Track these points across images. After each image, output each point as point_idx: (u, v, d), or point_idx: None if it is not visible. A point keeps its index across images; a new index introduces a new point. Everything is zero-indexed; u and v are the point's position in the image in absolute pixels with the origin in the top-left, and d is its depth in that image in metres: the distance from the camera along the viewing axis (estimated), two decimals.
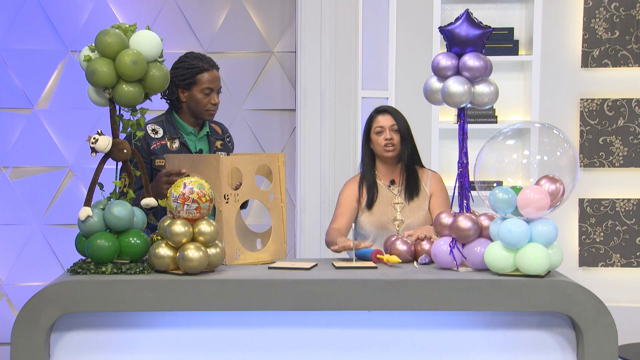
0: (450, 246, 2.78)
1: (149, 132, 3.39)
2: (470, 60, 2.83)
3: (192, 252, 2.65)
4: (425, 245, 2.98)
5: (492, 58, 3.03)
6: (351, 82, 4.64)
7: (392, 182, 3.46)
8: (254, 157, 3.04)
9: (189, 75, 3.40)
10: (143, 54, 2.75)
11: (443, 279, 2.65)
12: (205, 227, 2.70)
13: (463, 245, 2.80)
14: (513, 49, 4.60)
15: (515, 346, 2.69)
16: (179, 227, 2.68)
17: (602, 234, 4.72)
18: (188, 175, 2.94)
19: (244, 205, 3.31)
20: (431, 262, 2.92)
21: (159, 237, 2.79)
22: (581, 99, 4.71)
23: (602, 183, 4.74)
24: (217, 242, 2.74)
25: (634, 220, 4.71)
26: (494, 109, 4.60)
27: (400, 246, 2.98)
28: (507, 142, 2.84)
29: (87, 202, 2.75)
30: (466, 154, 2.92)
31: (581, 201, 4.72)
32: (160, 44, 2.81)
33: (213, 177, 2.90)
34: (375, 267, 2.85)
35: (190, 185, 2.69)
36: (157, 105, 3.28)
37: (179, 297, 2.61)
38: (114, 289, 2.62)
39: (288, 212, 4.23)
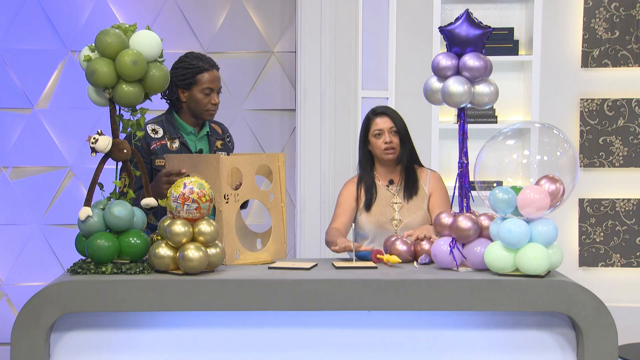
0: (450, 246, 2.78)
1: (149, 132, 3.39)
2: (470, 60, 2.83)
3: (192, 252, 2.65)
4: (425, 245, 2.98)
5: (492, 58, 3.03)
6: (351, 82, 4.64)
7: (391, 182, 3.46)
8: (254, 157, 3.04)
9: (189, 75, 3.40)
10: (143, 54, 2.75)
11: (443, 279, 2.65)
12: (205, 227, 2.70)
13: (463, 245, 2.80)
14: (513, 49, 4.60)
15: (515, 346, 2.69)
16: (179, 227, 2.68)
17: (602, 234, 4.72)
18: (188, 175, 2.94)
19: (244, 205, 3.31)
20: (431, 262, 2.92)
21: (159, 237, 2.79)
22: (581, 99, 4.71)
23: (602, 183, 4.74)
24: (217, 242, 2.74)
25: (634, 220, 4.71)
26: (494, 109, 4.60)
27: (400, 246, 2.98)
28: (507, 142, 2.84)
29: (87, 202, 2.75)
30: (466, 154, 2.92)
31: (581, 201, 4.72)
32: (160, 44, 2.81)
33: (213, 177, 2.90)
34: (375, 267, 2.85)
35: (190, 185, 2.69)
36: (157, 105, 3.28)
37: (179, 297, 2.61)
38: (114, 289, 2.62)
39: (288, 212, 4.23)
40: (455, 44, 2.87)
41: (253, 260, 2.95)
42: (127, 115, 2.86)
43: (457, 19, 2.87)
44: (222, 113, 3.81)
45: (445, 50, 2.92)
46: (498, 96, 2.89)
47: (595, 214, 4.73)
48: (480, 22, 2.86)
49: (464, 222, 2.77)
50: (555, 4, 4.68)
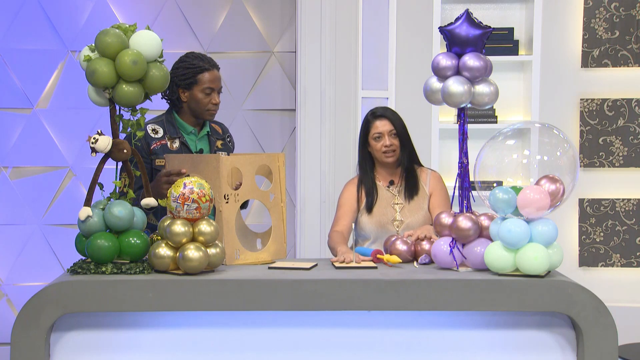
0: (450, 246, 2.78)
1: (149, 132, 3.39)
2: (470, 60, 2.83)
3: (192, 252, 2.65)
4: (425, 245, 2.98)
5: (492, 58, 3.03)
6: (351, 82, 4.64)
7: (391, 183, 3.45)
8: (254, 157, 3.04)
9: (190, 75, 3.40)
10: (143, 54, 2.75)
11: (443, 279, 2.65)
12: (205, 227, 2.70)
13: (463, 245, 2.80)
14: (513, 49, 4.60)
15: (515, 346, 2.69)
16: (179, 227, 2.68)
17: (602, 234, 4.72)
18: (188, 175, 2.94)
19: (244, 205, 3.31)
20: (431, 262, 2.92)
21: (159, 237, 2.79)
22: (581, 99, 4.70)
23: (602, 183, 4.73)
24: (217, 242, 2.74)
25: (634, 220, 4.71)
26: (494, 109, 4.60)
27: (400, 246, 2.98)
28: (507, 142, 2.84)
29: (87, 202, 2.75)
30: (466, 154, 2.92)
31: (581, 201, 4.72)
32: (160, 44, 2.81)
33: (213, 177, 2.90)
34: (375, 267, 2.85)
35: (190, 185, 2.69)
36: (157, 105, 3.28)
37: (179, 297, 2.61)
38: (114, 289, 2.62)
39: (288, 212, 4.23)
40: (455, 44, 2.87)
41: (253, 260, 2.95)
42: (127, 115, 2.86)
43: (457, 19, 2.88)
44: (222, 113, 3.81)
45: (445, 50, 2.92)
46: (498, 96, 2.89)
47: (595, 214, 4.73)
48: (480, 22, 2.86)
49: (464, 222, 2.77)
50: (555, 4, 4.68)
